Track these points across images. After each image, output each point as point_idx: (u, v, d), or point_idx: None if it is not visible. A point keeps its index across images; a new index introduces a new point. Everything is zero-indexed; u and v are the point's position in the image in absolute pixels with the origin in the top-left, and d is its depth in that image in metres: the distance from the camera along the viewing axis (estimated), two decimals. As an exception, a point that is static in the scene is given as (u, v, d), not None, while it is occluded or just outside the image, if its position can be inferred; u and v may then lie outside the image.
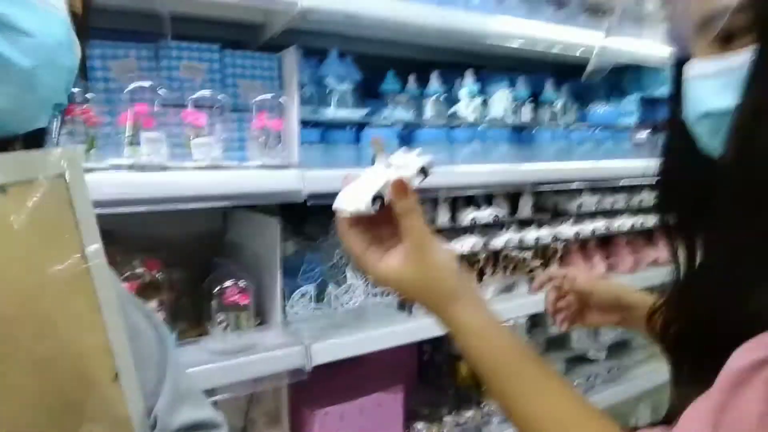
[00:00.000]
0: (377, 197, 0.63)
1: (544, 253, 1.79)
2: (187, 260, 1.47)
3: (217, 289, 1.27)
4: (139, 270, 1.18)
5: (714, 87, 0.55)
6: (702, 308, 0.57)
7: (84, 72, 1.14)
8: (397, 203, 0.64)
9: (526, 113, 1.72)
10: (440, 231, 1.59)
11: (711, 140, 0.58)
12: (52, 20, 0.55)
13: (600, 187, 1.91)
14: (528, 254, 1.70)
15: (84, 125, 1.08)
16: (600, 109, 1.93)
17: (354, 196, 0.65)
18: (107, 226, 1.49)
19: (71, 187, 0.58)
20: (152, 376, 0.72)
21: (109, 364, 0.62)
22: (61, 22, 0.56)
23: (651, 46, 1.87)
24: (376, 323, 1.42)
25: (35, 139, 0.63)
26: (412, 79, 1.57)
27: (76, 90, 1.08)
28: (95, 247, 0.61)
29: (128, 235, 1.49)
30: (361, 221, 0.68)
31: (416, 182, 0.65)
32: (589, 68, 1.55)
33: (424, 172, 0.67)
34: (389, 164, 0.66)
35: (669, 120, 0.67)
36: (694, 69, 0.58)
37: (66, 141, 1.06)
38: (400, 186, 0.63)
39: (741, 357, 0.47)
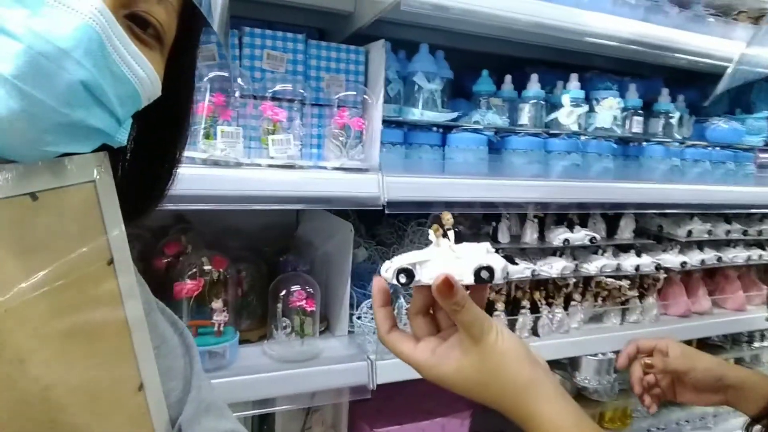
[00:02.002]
0: (404, 271, 0.58)
1: (642, 283, 1.59)
2: (257, 253, 1.43)
3: (283, 292, 1.21)
4: (207, 267, 1.13)
5: None
6: None
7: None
8: (442, 303, 0.56)
9: (636, 124, 1.52)
10: (524, 250, 1.45)
11: None
12: (67, 27, 0.47)
13: (714, 213, 1.68)
14: (624, 283, 1.52)
15: (161, 114, 1.03)
16: (721, 125, 1.68)
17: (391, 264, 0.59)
18: (180, 211, 1.46)
19: (100, 193, 0.57)
20: (177, 386, 0.70)
21: (133, 374, 0.61)
22: (83, 29, 0.47)
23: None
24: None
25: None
26: (508, 80, 1.43)
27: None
28: (122, 253, 0.60)
29: (200, 224, 1.47)
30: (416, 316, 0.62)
31: (468, 280, 0.57)
32: (725, 83, 1.33)
33: (481, 275, 0.57)
34: (446, 246, 0.58)
35: None
36: None
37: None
38: (444, 286, 0.54)
39: None
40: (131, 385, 0.61)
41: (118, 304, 0.60)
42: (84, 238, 0.57)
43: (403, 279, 0.58)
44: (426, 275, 0.57)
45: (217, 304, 1.12)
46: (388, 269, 0.59)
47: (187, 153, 1.04)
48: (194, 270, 1.12)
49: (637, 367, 0.99)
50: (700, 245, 1.69)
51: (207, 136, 1.07)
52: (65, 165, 0.55)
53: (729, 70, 1.36)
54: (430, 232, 0.59)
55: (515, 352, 0.57)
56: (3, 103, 0.45)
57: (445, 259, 0.57)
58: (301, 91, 1.18)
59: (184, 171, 1.01)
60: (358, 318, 1.26)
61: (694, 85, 1.85)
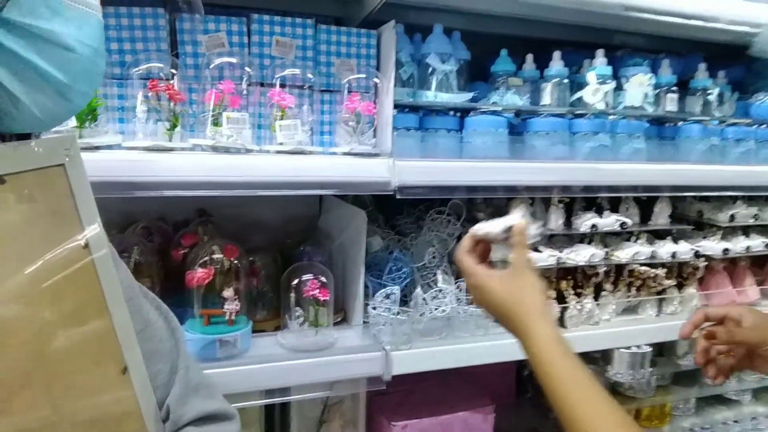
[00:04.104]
0: (510, 227, 0.85)
1: (680, 272, 1.49)
2: (278, 244, 1.42)
3: (295, 281, 1.19)
4: (218, 256, 1.12)
5: None
6: None
7: (173, 46, 1.10)
8: (516, 237, 0.84)
9: (670, 103, 1.42)
10: (551, 237, 1.38)
11: None
12: (91, 27, 0.56)
13: (760, 196, 1.56)
14: (660, 271, 1.42)
15: (168, 102, 1.03)
16: (767, 101, 1.56)
17: (489, 227, 0.88)
18: (202, 204, 1.47)
19: (70, 176, 0.58)
20: (164, 368, 0.72)
21: (117, 357, 0.61)
22: (98, 25, 0.58)
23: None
24: (466, 335, 1.25)
25: None
26: (530, 59, 1.36)
27: (161, 65, 1.04)
28: (98, 236, 0.60)
29: (223, 214, 1.48)
30: (480, 251, 0.90)
31: (532, 238, 0.87)
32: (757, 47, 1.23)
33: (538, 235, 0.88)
34: (521, 217, 0.87)
35: None
36: None
37: (149, 118, 1.02)
38: (523, 227, 0.84)
39: None
40: (115, 369, 0.62)
41: (97, 286, 0.60)
42: (57, 220, 0.57)
43: (507, 234, 0.86)
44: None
45: (228, 292, 1.11)
46: (491, 227, 0.87)
47: (194, 140, 1.05)
48: (205, 258, 1.12)
49: (702, 337, 0.94)
50: (746, 231, 1.57)
51: (216, 124, 1.07)
52: (33, 148, 0.56)
53: (757, 36, 1.26)
54: (515, 210, 0.91)
55: (539, 287, 0.81)
56: (57, 103, 0.55)
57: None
58: (310, 76, 1.16)
59: (191, 158, 1.02)
60: (374, 308, 1.22)
61: (738, 61, 1.73)
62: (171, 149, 1.02)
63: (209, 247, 1.14)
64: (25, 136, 0.56)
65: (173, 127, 1.05)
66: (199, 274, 1.10)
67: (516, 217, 0.88)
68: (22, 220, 0.52)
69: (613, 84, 1.33)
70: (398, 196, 1.11)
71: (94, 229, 0.59)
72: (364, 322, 1.26)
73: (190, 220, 1.47)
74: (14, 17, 0.49)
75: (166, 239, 1.34)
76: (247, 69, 1.12)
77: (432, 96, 1.23)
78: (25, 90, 0.52)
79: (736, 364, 0.93)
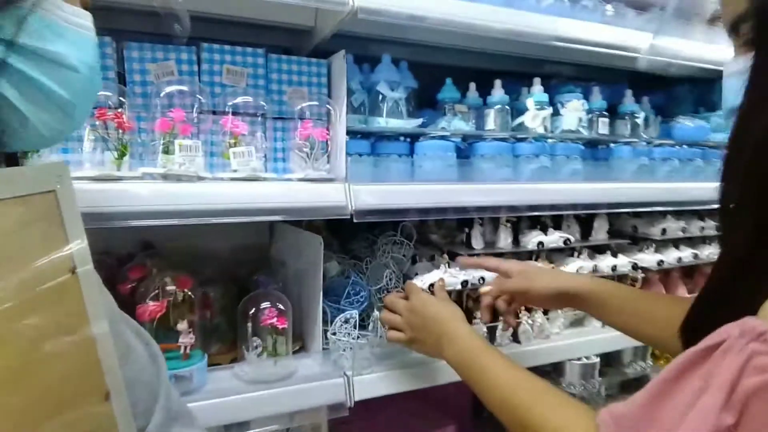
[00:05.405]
0: (432, 284, 1.20)
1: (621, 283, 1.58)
2: (230, 275, 1.39)
3: (252, 310, 1.17)
4: (170, 288, 1.09)
5: (738, 85, 0.58)
6: None
7: (120, 75, 1.08)
8: (437, 286, 1.18)
9: (602, 126, 1.53)
10: (500, 255, 1.43)
11: None
12: (88, 47, 0.60)
13: (687, 210, 1.69)
14: (602, 284, 1.50)
15: (117, 131, 1.01)
16: (687, 123, 1.71)
17: (419, 282, 1.22)
18: (147, 236, 1.43)
19: (61, 204, 0.58)
20: (145, 395, 0.70)
21: (99, 383, 0.60)
22: (94, 45, 0.61)
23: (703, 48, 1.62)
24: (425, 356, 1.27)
25: None
26: (472, 88, 1.43)
27: (109, 93, 1.02)
28: (85, 263, 0.60)
29: (169, 246, 1.43)
30: None
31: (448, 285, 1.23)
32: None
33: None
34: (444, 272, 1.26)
35: (732, 134, 0.61)
36: (727, 67, 0.65)
37: (96, 147, 0.99)
38: (442, 281, 1.20)
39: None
40: (98, 395, 0.60)
41: (83, 313, 0.59)
42: (47, 246, 0.57)
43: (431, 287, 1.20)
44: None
45: (182, 325, 1.08)
46: (423, 282, 1.22)
47: (145, 169, 1.03)
48: (157, 291, 1.08)
49: (485, 297, 1.17)
50: (677, 243, 1.69)
51: (167, 152, 1.05)
52: (25, 174, 0.56)
53: (638, 59, 1.41)
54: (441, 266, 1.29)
55: (460, 311, 1.06)
56: (61, 121, 0.60)
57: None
58: (263, 103, 1.17)
59: (143, 187, 0.99)
60: (333, 334, 1.22)
61: (658, 87, 1.88)
62: (119, 178, 0.99)
63: (160, 279, 1.11)
64: (13, 160, 0.60)
65: (121, 156, 1.02)
66: (151, 308, 1.06)
67: (438, 275, 1.24)
68: (13, 244, 0.53)
69: (550, 110, 1.41)
70: (355, 220, 1.12)
71: (82, 255, 0.59)
72: (324, 349, 1.25)
73: (135, 253, 1.41)
74: (24, 41, 0.54)
75: (110, 274, 1.29)
76: (198, 97, 1.11)
77: (383, 122, 1.26)
78: (32, 109, 0.56)
79: (516, 308, 1.22)
